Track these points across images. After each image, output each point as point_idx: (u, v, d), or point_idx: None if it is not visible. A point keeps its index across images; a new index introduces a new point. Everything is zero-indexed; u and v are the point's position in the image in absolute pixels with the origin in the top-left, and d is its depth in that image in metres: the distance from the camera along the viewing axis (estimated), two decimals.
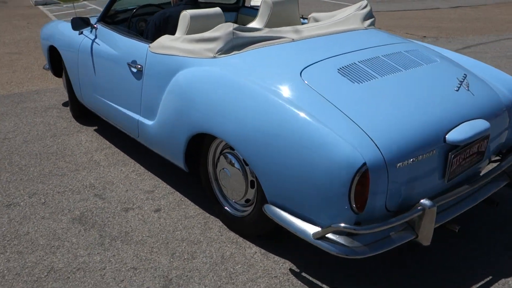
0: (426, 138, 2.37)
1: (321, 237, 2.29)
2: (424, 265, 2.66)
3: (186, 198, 3.36)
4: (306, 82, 2.54)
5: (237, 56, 2.86)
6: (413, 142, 2.33)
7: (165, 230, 3.01)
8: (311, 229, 2.34)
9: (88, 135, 4.48)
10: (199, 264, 2.70)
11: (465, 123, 2.52)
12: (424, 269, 2.63)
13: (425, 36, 8.88)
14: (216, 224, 3.06)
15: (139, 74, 3.38)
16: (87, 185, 3.57)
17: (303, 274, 2.62)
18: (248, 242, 2.88)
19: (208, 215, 3.16)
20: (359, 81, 2.58)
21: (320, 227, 2.31)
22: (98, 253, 2.81)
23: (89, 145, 4.26)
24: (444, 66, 2.92)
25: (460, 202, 2.59)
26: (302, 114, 2.35)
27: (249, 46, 2.90)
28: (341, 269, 2.64)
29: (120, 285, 2.56)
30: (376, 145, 2.26)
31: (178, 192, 3.44)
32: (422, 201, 2.31)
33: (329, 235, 2.28)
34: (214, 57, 2.90)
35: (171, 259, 2.74)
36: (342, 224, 2.20)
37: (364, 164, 2.16)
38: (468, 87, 2.75)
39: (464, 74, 2.87)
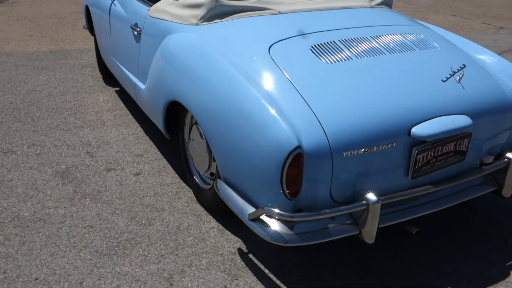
0: (385, 129, 2.16)
1: (254, 219, 2.18)
2: (368, 263, 2.46)
3: (169, 166, 3.35)
4: (272, 57, 2.40)
5: (217, 25, 2.76)
6: (367, 132, 2.13)
7: (135, 194, 3.02)
8: (250, 210, 2.23)
9: (107, 95, 4.59)
10: (152, 232, 2.68)
11: (440, 117, 2.26)
12: (368, 268, 2.43)
13: (502, 28, 8.14)
14: (186, 195, 3.03)
15: (138, 38, 3.38)
16: (84, 142, 3.66)
17: (250, 255, 2.52)
18: (210, 217, 2.82)
19: (184, 185, 3.13)
20: (330, 61, 2.39)
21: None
22: (64, 207, 2.88)
23: (103, 105, 4.36)
24: (441, 54, 2.63)
25: (428, 203, 2.36)
26: (254, 91, 2.22)
27: (232, 16, 2.79)
28: (289, 256, 2.52)
29: (70, 240, 2.61)
30: (323, 130, 2.09)
31: (165, 159, 3.44)
32: (367, 195, 2.12)
33: (264, 219, 2.16)
34: (197, 24, 2.83)
35: (129, 223, 2.75)
36: (272, 208, 2.08)
37: (298, 147, 2.00)
38: (460, 79, 2.46)
39: (463, 65, 2.57)
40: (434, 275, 2.39)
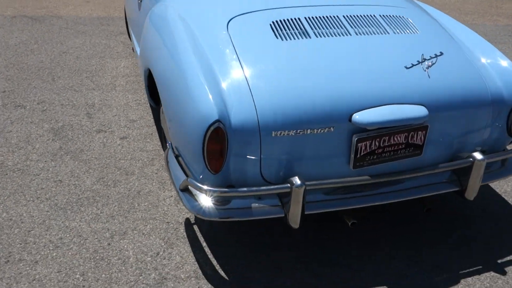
0: (321, 113, 2.06)
1: (184, 189, 2.18)
2: (299, 248, 2.38)
3: (156, 134, 3.42)
4: (228, 31, 2.35)
5: None
6: (301, 113, 2.04)
7: (113, 157, 3.12)
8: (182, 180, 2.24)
9: (129, 62, 4.74)
10: (113, 193, 2.77)
11: (387, 106, 2.11)
12: (298, 253, 2.35)
13: None
14: (160, 162, 3.08)
15: (139, 5, 3.45)
16: (89, 103, 3.82)
17: (194, 227, 2.53)
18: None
19: (162, 153, 3.18)
20: (287, 38, 2.31)
21: None
22: (45, 161, 3.04)
23: (122, 71, 4.51)
24: (418, 39, 2.44)
25: (372, 196, 2.23)
26: (195, 63, 2.20)
27: None
28: (233, 233, 2.50)
29: (37, 191, 2.76)
30: (255, 107, 2.04)
31: (155, 127, 3.51)
32: (292, 178, 2.04)
33: (193, 190, 2.16)
34: None
35: (95, 182, 2.85)
36: (193, 180, 2.08)
37: (217, 121, 1.97)
38: (428, 67, 2.27)
39: (440, 53, 2.37)
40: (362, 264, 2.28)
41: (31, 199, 2.69)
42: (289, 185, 2.04)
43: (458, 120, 2.26)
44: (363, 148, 2.13)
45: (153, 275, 2.22)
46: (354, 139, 2.09)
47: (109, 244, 2.39)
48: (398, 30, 2.47)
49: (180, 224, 2.54)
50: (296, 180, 2.03)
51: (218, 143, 2.00)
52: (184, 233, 2.48)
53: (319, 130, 2.06)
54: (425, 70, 2.26)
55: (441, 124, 2.23)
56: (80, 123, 3.50)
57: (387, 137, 2.14)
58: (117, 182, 2.86)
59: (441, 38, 2.53)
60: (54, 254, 2.32)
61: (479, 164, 2.24)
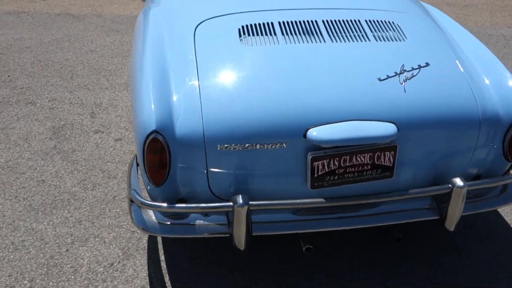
0: (272, 127, 1.88)
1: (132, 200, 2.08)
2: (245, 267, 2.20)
3: None
4: (195, 36, 2.22)
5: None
6: (249, 127, 1.87)
7: (101, 159, 3.08)
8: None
9: None
10: (89, 197, 2.72)
11: (349, 122, 1.90)
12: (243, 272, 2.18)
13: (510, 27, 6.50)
14: None
15: (144, 4, 3.40)
16: (97, 103, 3.83)
17: (158, 239, 2.43)
18: None
19: None
20: (252, 44, 2.14)
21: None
22: (35, 160, 3.06)
23: None
24: (402, 48, 2.18)
25: (333, 219, 2.02)
26: (152, 70, 2.08)
27: None
28: (196, 248, 2.37)
29: (18, 190, 2.77)
30: (202, 118, 1.90)
31: None
32: (236, 196, 1.88)
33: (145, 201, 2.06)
34: None
35: (76, 184, 2.83)
36: (134, 192, 1.97)
37: (154, 132, 1.84)
38: (406, 80, 2.02)
39: (425, 63, 2.11)
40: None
41: (10, 197, 2.70)
42: (231, 203, 1.87)
43: (436, 141, 2.00)
44: (320, 167, 1.92)
45: (100, 287, 2.14)
46: (309, 157, 1.89)
47: (67, 250, 2.34)
48: (382, 37, 2.22)
49: (144, 234, 2.45)
50: (239, 199, 1.86)
51: (157, 154, 1.88)
52: (146, 245, 2.38)
53: (270, 145, 1.89)
54: (402, 83, 2.01)
55: (415, 144, 1.97)
56: (81, 123, 3.51)
57: (348, 157, 1.92)
58: (97, 186, 2.81)
59: (433, 47, 2.25)
60: (12, 256, 2.30)
61: (458, 191, 1.96)
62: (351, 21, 2.29)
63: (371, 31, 2.24)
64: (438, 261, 2.31)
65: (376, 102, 1.95)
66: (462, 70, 2.14)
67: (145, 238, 2.42)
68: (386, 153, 1.94)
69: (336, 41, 2.17)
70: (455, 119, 1.99)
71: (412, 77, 2.04)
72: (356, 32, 2.23)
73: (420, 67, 2.08)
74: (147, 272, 2.22)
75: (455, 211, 2.00)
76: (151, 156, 1.89)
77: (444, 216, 2.03)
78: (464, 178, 2.14)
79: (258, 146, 1.88)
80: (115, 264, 2.26)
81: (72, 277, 2.19)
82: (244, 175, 1.95)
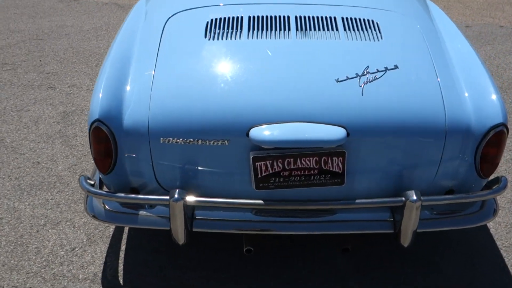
0: (217, 123, 1.84)
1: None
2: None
3: None
4: (164, 28, 2.21)
5: None
6: (192, 122, 1.84)
7: None
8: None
9: None
10: (74, 181, 2.80)
11: (294, 123, 1.81)
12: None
13: (502, 26, 5.71)
14: None
15: None
16: None
17: (126, 228, 2.45)
18: None
19: None
20: (215, 38, 2.09)
21: None
22: (38, 142, 3.19)
23: None
24: (373, 48, 2.04)
25: (277, 223, 1.94)
26: (117, 59, 2.10)
27: None
28: (158, 240, 2.37)
29: (13, 169, 2.90)
30: (149, 109, 1.89)
31: None
32: (174, 190, 1.86)
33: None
34: None
35: (66, 168, 2.92)
36: (83, 178, 2.00)
37: (96, 120, 1.86)
38: (368, 82, 1.89)
39: (394, 66, 1.96)
40: None
41: (3, 176, 2.84)
42: (168, 197, 1.85)
43: (394, 150, 1.86)
44: (263, 168, 1.85)
45: (55, 270, 2.19)
46: (251, 157, 1.83)
47: (37, 231, 2.42)
48: (354, 36, 2.10)
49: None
50: (175, 193, 1.84)
51: (102, 143, 1.90)
52: (112, 233, 2.41)
53: (212, 142, 1.84)
54: (361, 86, 1.88)
55: (368, 152, 1.85)
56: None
57: (292, 159, 1.83)
58: (85, 171, 2.89)
59: (410, 50, 2.09)
60: None
61: (411, 205, 1.82)
62: (325, 18, 2.18)
63: (344, 30, 2.12)
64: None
65: (328, 104, 1.85)
66: (437, 77, 1.98)
67: (112, 226, 2.45)
68: (334, 158, 1.83)
69: (302, 38, 2.08)
70: (415, 128, 1.85)
71: (374, 80, 1.91)
72: (328, 29, 2.12)
73: (386, 69, 1.95)
74: (104, 260, 2.25)
75: (408, 227, 1.86)
76: (96, 144, 1.91)
77: (398, 230, 1.90)
78: (435, 192, 2.01)
79: (200, 142, 1.84)
80: (77, 249, 2.31)
81: (33, 257, 2.26)
82: (189, 170, 1.92)
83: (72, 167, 2.92)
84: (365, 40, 2.08)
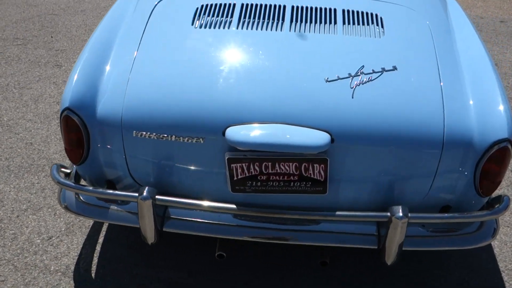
0: (191, 119, 1.71)
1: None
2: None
3: None
4: (152, 13, 2.08)
5: None
6: (167, 116, 1.72)
7: None
8: None
9: None
10: None
11: (276, 124, 1.66)
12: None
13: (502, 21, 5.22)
14: None
15: None
16: None
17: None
18: None
19: None
20: (203, 26, 1.95)
21: None
22: (34, 122, 3.13)
23: None
24: (372, 45, 1.86)
25: (252, 229, 1.81)
26: (98, 43, 1.99)
27: None
28: (134, 235, 2.27)
29: (5, 150, 2.85)
30: (124, 100, 1.78)
31: None
32: (144, 188, 1.74)
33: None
34: None
35: (57, 151, 2.84)
36: (54, 167, 1.91)
37: (66, 109, 1.77)
38: (360, 84, 1.72)
39: (392, 67, 1.79)
40: None
41: None
42: (136, 194, 1.74)
43: (383, 160, 1.69)
44: (239, 170, 1.71)
45: (28, 259, 2.12)
46: (226, 157, 1.70)
47: (18, 216, 2.35)
48: (353, 31, 1.92)
49: None
50: (144, 191, 1.72)
51: (73, 132, 1.80)
52: (91, 223, 2.33)
53: (187, 139, 1.72)
54: (352, 87, 1.72)
55: (354, 160, 1.69)
56: None
57: (270, 163, 1.69)
58: None
59: (413, 51, 1.90)
60: None
61: (396, 222, 1.66)
62: (324, 9, 2.01)
63: (344, 23, 1.95)
64: None
65: (313, 106, 1.69)
66: (440, 81, 1.79)
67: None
68: (316, 165, 1.68)
69: (296, 31, 1.91)
70: (408, 137, 1.67)
71: (368, 81, 1.74)
72: (325, 23, 1.96)
73: (383, 70, 1.77)
74: (79, 252, 2.17)
75: (392, 244, 1.70)
76: (67, 133, 1.81)
77: (382, 247, 1.74)
78: (429, 207, 1.84)
79: (174, 138, 1.72)
80: (53, 238, 2.23)
81: (9, 243, 2.20)
82: (163, 166, 1.81)
83: (63, 151, 2.84)
84: (365, 36, 1.90)
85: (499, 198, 1.82)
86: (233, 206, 1.73)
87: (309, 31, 1.91)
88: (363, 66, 1.78)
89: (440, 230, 1.84)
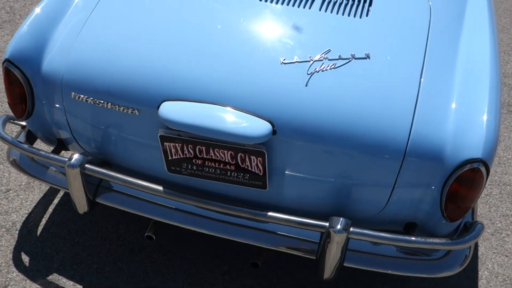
0: (128, 88, 1.56)
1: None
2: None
3: None
4: None
5: None
6: (104, 81, 1.58)
7: None
8: None
9: None
10: None
11: (212, 105, 1.47)
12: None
13: None
14: None
15: None
16: None
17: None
18: None
19: None
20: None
21: None
22: None
23: None
24: (348, 26, 1.61)
25: (184, 214, 1.65)
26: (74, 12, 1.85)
27: None
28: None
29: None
30: (69, 57, 1.67)
31: None
32: (74, 154, 1.62)
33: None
34: None
35: None
36: (7, 116, 1.87)
37: (7, 60, 1.71)
38: (320, 71, 1.48)
39: (365, 55, 1.53)
40: None
41: None
42: (66, 159, 1.63)
43: (333, 161, 1.47)
44: (173, 150, 1.55)
45: None
46: (160, 134, 1.53)
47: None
48: (331, 7, 1.67)
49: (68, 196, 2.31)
50: (72, 158, 1.61)
51: (15, 86, 1.71)
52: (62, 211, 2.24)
53: (122, 109, 1.57)
54: (309, 74, 1.49)
55: (299, 157, 1.48)
56: None
57: (204, 148, 1.51)
58: None
59: (399, 35, 1.63)
60: None
61: (334, 235, 1.44)
62: None
63: (336, 8, 1.68)
64: None
65: (260, 90, 1.49)
66: (421, 77, 1.52)
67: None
68: (252, 157, 1.48)
69: (265, 2, 1.69)
70: (365, 140, 1.44)
71: (330, 69, 1.50)
72: (313, 9, 1.69)
73: (352, 58, 1.53)
74: (30, 210, 2.10)
75: (329, 259, 1.49)
76: (8, 86, 1.72)
77: (321, 261, 1.53)
78: (387, 222, 1.61)
79: (109, 106, 1.59)
80: (10, 192, 2.17)
81: None
82: (102, 135, 1.69)
83: None
84: (343, 15, 1.65)
85: (472, 225, 1.55)
86: (160, 188, 1.58)
87: (277, 4, 1.68)
88: (329, 50, 1.54)
89: (410, 253, 1.60)
